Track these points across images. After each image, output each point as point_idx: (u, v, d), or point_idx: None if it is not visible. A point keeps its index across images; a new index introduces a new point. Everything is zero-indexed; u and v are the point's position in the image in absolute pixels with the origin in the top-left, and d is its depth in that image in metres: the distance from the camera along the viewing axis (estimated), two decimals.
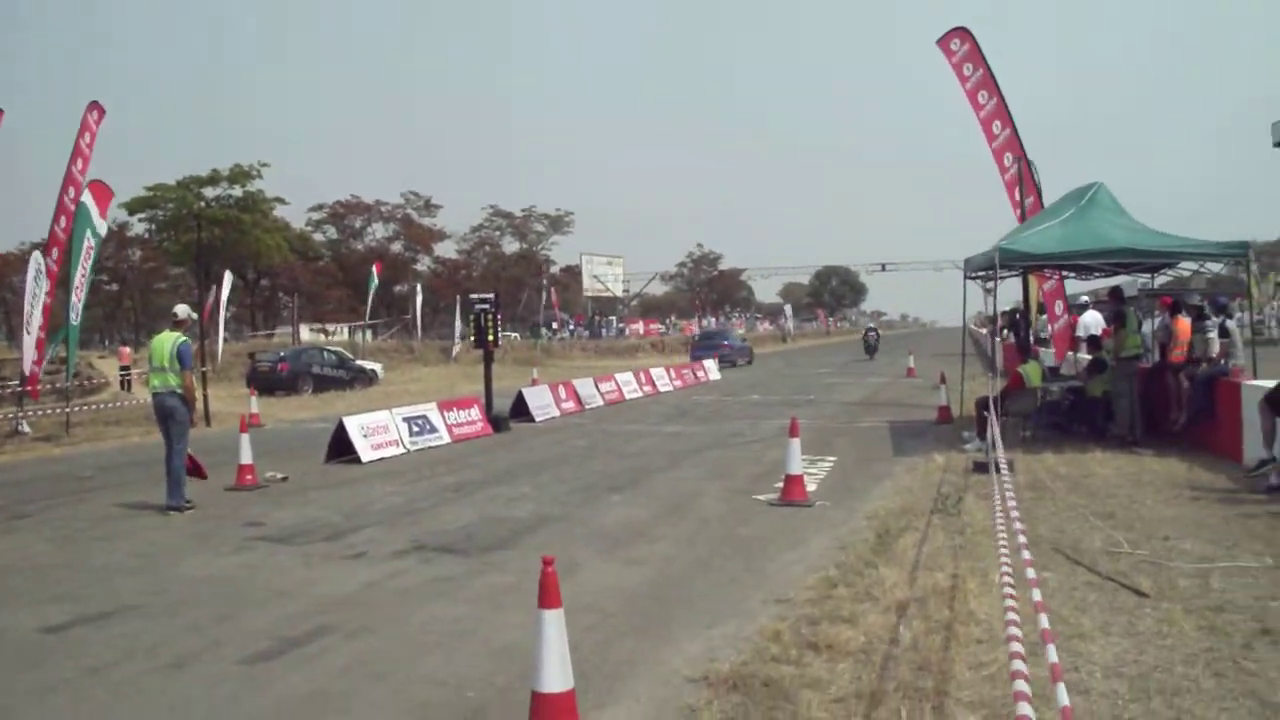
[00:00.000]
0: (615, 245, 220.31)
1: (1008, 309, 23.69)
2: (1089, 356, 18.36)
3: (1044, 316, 24.68)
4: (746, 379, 41.41)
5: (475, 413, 21.83)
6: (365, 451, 18.19)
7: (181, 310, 14.19)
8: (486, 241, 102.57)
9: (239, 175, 70.34)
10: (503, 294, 23.29)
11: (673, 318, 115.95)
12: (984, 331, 57.95)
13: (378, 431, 18.82)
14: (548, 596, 6.06)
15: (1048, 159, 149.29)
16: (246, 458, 15.76)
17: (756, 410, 26.03)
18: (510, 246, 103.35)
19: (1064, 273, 19.97)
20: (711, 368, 42.04)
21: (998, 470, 10.57)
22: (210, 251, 68.04)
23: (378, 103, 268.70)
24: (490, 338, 21.92)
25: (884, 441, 18.66)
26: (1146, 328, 18.89)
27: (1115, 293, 18.40)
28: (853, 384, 36.12)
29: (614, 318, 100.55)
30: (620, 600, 9.00)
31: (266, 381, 35.65)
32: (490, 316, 21.85)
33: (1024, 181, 21.98)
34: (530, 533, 11.81)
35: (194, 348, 13.64)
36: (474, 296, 22.55)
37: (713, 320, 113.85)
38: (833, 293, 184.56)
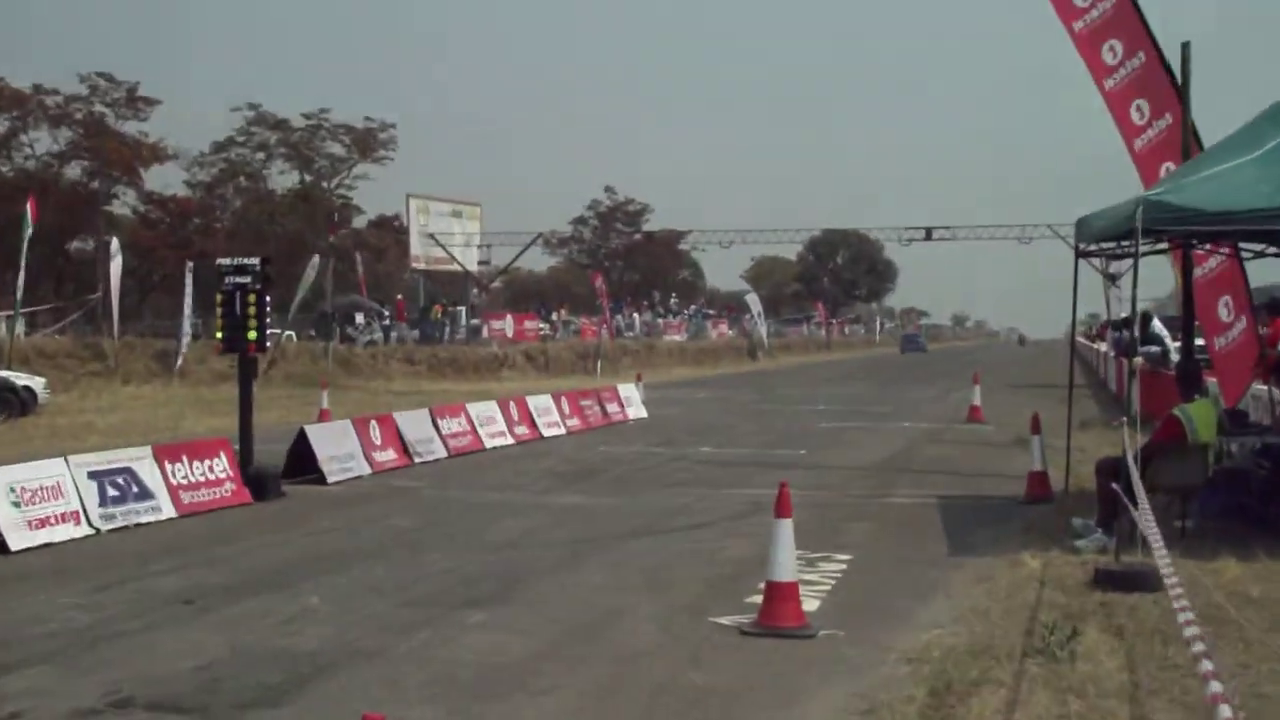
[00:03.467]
0: (468, 186, 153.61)
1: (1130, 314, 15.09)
2: None
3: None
4: (693, 418, 27.88)
5: (222, 465, 14.89)
6: (17, 531, 11.82)
7: None
8: (240, 169, 64.61)
9: None
10: (272, 262, 16.02)
11: (563, 311, 69.81)
12: (1101, 348, 41.88)
13: (42, 496, 12.26)
14: None
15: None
16: None
17: (707, 473, 18.05)
18: (285, 179, 66.19)
19: (1252, 246, 13.32)
20: (634, 399, 27.86)
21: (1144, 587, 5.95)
22: None
23: None
24: (252, 335, 14.73)
25: (932, 531, 12.77)
26: None
27: None
28: (873, 431, 24.19)
29: (463, 309, 57.97)
30: None
31: None
32: (253, 298, 14.71)
33: (1152, 89, 14.38)
34: (323, 678, 7.49)
35: None
36: (223, 264, 15.18)
37: (636, 317, 72.64)
38: (838, 276, 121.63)
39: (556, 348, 54.64)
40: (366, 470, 17.10)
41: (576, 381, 39.65)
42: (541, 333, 58.76)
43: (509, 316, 60.15)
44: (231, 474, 14.58)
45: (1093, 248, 12.60)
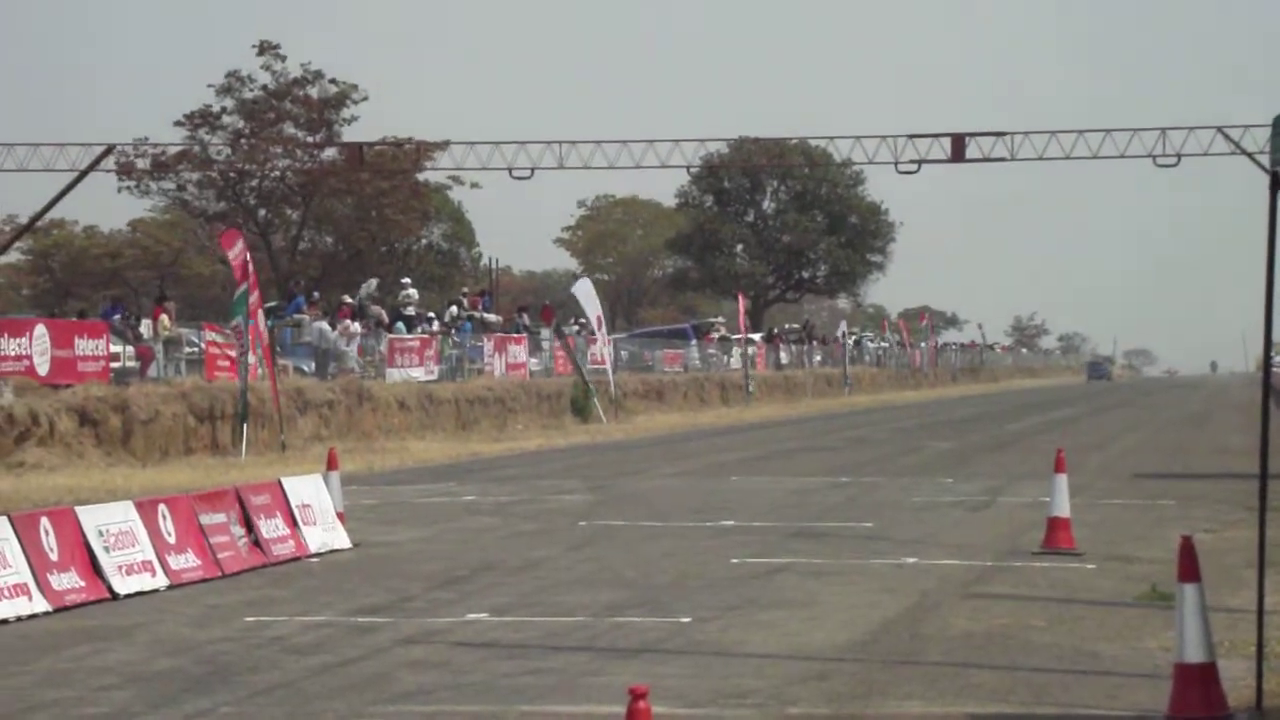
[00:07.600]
0: None
1: None
2: None
3: None
4: (452, 548, 14.83)
5: None
6: None
7: None
8: None
9: None
10: None
11: (164, 316, 30.27)
12: None
13: None
14: None
15: None
16: None
17: (478, 669, 8.37)
18: None
19: None
20: (323, 509, 14.46)
21: None
22: None
23: None
24: None
25: None
26: None
27: None
28: (841, 575, 12.55)
29: None
30: None
31: None
32: None
33: None
34: None
35: None
36: None
37: (331, 330, 34.38)
38: (766, 239, 68.23)
39: (148, 398, 25.86)
40: None
41: (196, 472, 22.93)
42: (115, 366, 27.52)
43: (40, 326, 26.36)
44: None
45: None
